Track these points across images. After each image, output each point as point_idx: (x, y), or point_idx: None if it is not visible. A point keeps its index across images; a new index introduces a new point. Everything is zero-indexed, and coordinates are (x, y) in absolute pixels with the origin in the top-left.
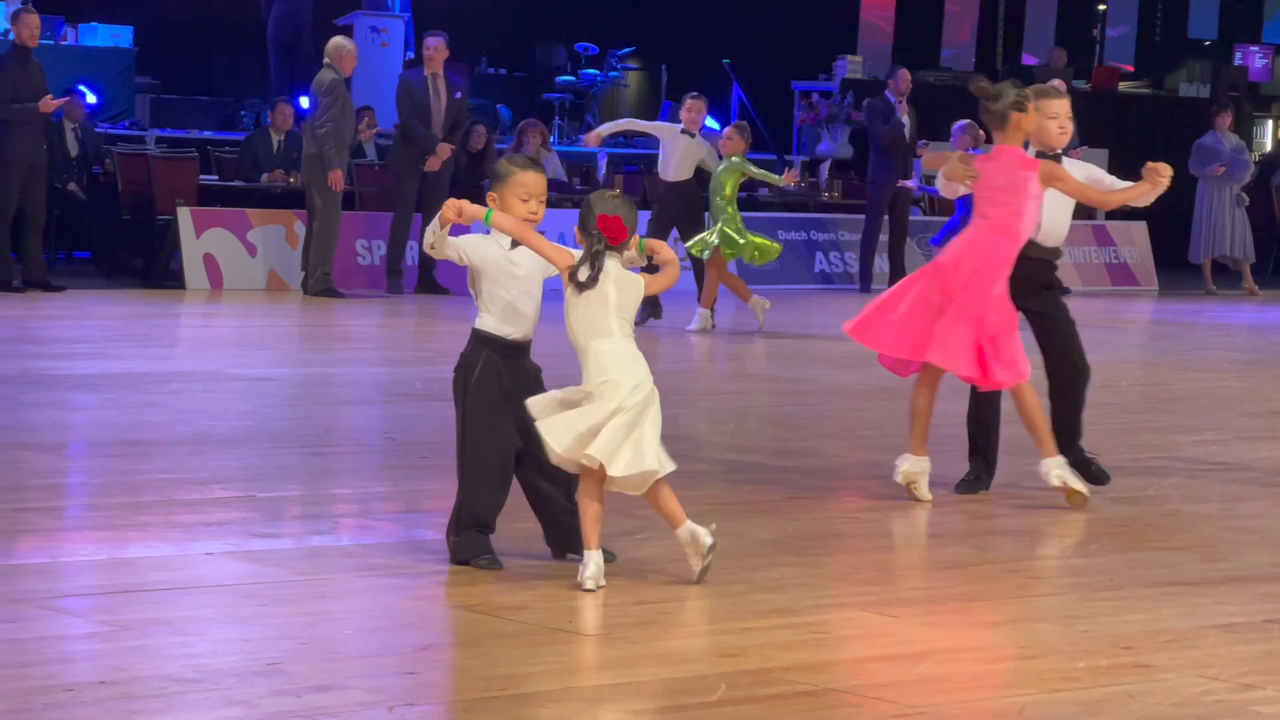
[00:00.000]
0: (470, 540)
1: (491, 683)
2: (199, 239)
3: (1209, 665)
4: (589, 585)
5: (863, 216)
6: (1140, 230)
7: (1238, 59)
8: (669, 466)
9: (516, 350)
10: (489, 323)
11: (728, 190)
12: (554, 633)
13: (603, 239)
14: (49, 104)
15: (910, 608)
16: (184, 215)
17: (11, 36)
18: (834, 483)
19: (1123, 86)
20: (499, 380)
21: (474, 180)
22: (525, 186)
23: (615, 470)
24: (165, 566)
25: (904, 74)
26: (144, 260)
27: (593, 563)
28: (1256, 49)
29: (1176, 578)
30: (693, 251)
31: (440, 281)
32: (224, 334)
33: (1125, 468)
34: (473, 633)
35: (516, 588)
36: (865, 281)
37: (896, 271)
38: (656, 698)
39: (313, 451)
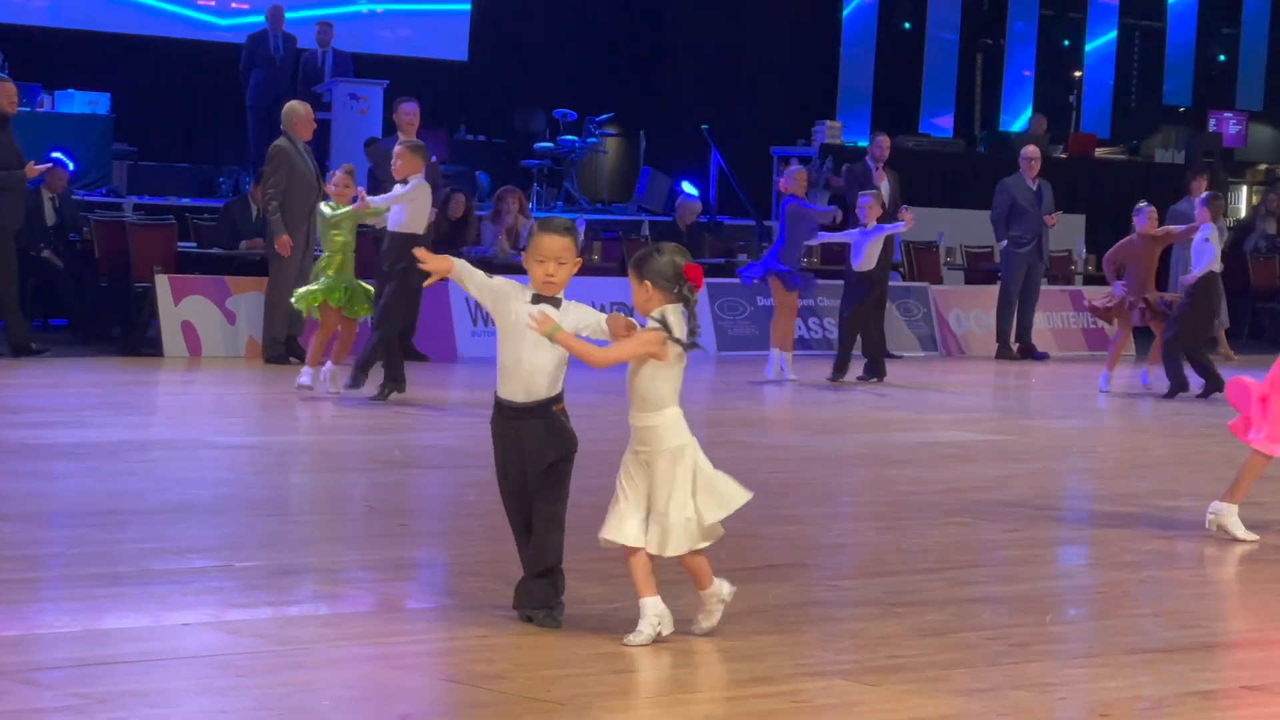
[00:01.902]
0: (539, 589)
1: None
2: (177, 306)
3: None
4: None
5: (842, 282)
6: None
7: (1212, 125)
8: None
9: (518, 412)
10: (497, 383)
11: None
12: (531, 702)
13: (690, 287)
14: (34, 169)
15: (889, 676)
16: (162, 283)
17: None
18: (812, 550)
19: (1099, 152)
20: (504, 443)
21: (454, 247)
22: (539, 250)
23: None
24: (141, 638)
25: (882, 139)
26: (122, 328)
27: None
28: (1230, 115)
29: (1153, 644)
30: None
31: (419, 349)
32: (202, 402)
33: (1101, 534)
34: (450, 702)
35: (494, 657)
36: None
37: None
38: None
39: (291, 520)
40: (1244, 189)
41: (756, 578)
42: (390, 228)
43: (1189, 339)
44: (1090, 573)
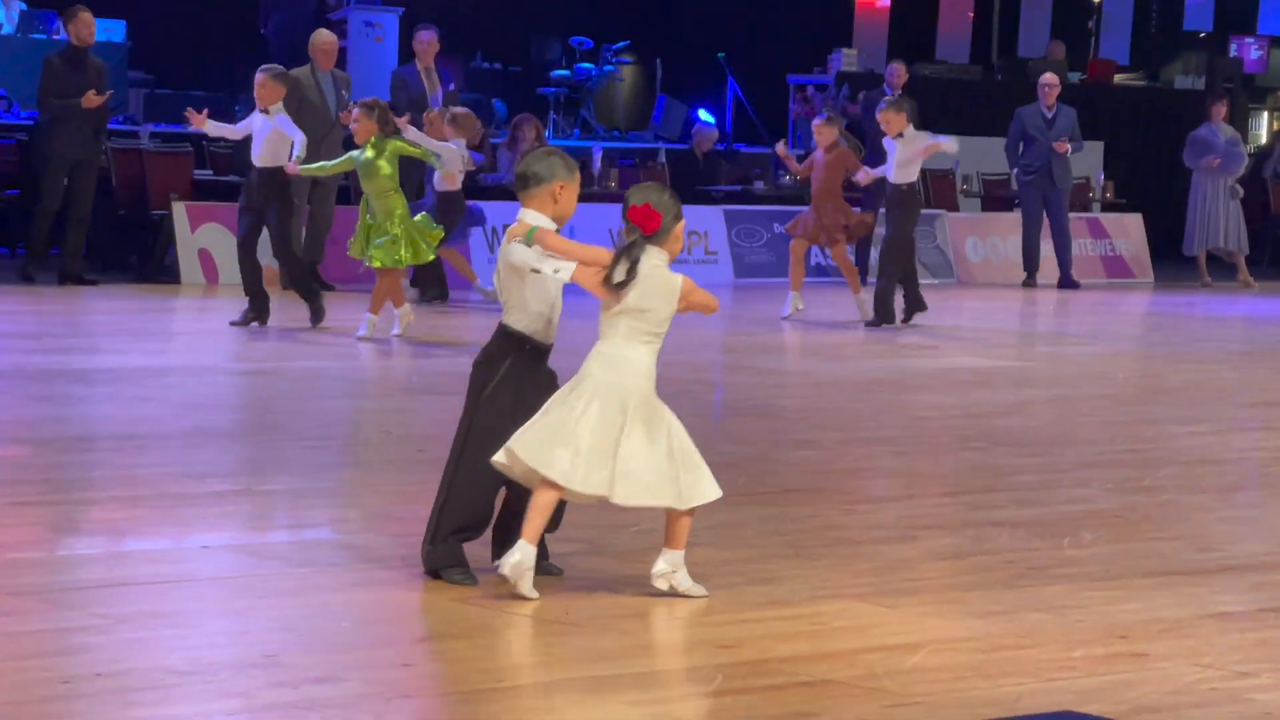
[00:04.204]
0: (449, 550)
1: (488, 675)
2: (194, 234)
3: (1204, 654)
4: (505, 572)
5: (858, 209)
6: (1135, 223)
7: (1233, 51)
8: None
9: (542, 354)
10: (522, 321)
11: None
12: (549, 624)
13: (635, 230)
14: (91, 99)
15: (906, 598)
16: (179, 210)
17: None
18: (829, 475)
19: (1118, 79)
20: (517, 390)
21: (470, 175)
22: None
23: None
24: (162, 560)
25: (896, 67)
26: (139, 255)
27: (519, 552)
28: (1252, 41)
29: (1171, 567)
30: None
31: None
32: (219, 328)
33: (1120, 459)
34: (469, 625)
35: None
36: (861, 274)
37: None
38: (653, 689)
39: (309, 445)
40: (1265, 115)
41: (773, 502)
42: (258, 163)
43: (898, 260)
44: (1108, 497)
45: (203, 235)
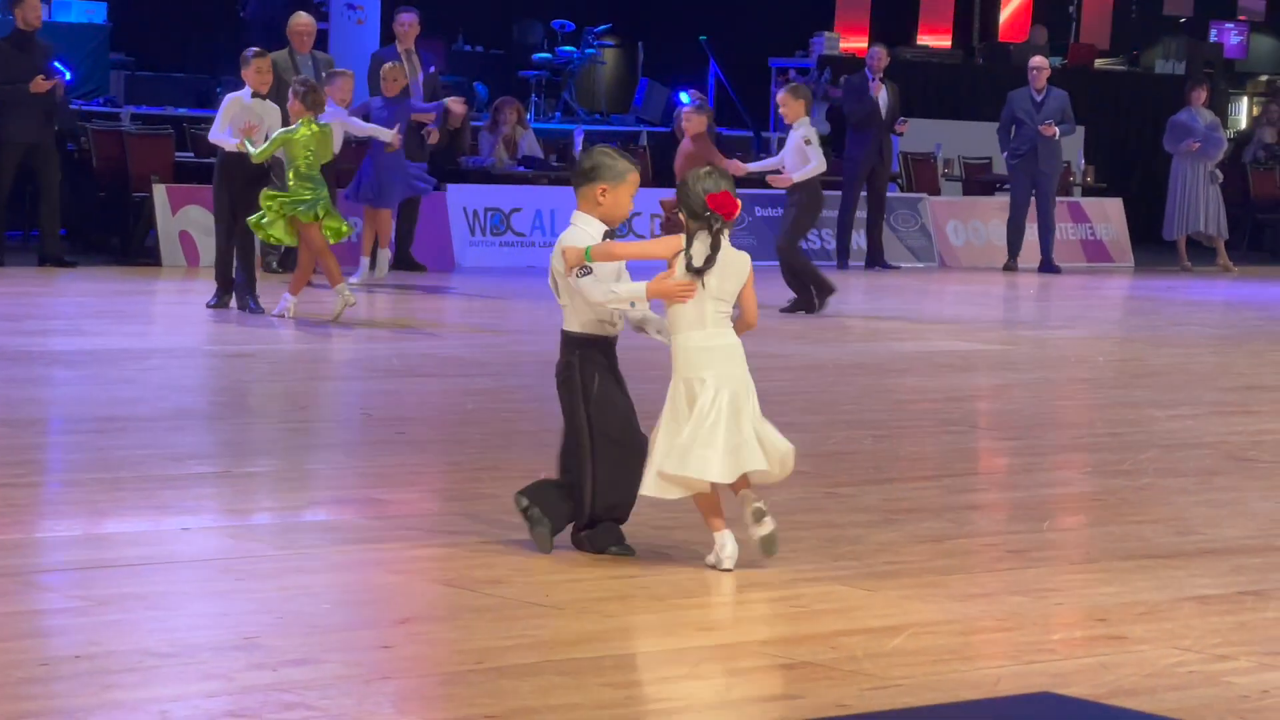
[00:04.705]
0: (606, 530)
1: (468, 656)
2: (174, 216)
3: (1183, 637)
4: (726, 565)
5: (840, 193)
6: (1115, 207)
7: (1213, 36)
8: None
9: (610, 345)
10: (587, 324)
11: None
12: (530, 607)
13: (718, 218)
14: (40, 84)
15: (886, 581)
16: (159, 192)
17: (10, 18)
18: (811, 458)
19: (1098, 63)
20: (614, 378)
21: (452, 158)
22: (637, 185)
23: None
24: (141, 542)
25: (877, 51)
26: (119, 237)
27: (729, 542)
28: (1232, 26)
29: (1150, 551)
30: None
31: (417, 258)
32: (200, 311)
33: (1100, 442)
34: (449, 607)
35: (492, 562)
36: (843, 258)
37: (874, 249)
38: (633, 671)
39: (289, 427)
40: (1244, 100)
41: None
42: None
43: (792, 248)
44: (1087, 481)
45: (183, 217)
